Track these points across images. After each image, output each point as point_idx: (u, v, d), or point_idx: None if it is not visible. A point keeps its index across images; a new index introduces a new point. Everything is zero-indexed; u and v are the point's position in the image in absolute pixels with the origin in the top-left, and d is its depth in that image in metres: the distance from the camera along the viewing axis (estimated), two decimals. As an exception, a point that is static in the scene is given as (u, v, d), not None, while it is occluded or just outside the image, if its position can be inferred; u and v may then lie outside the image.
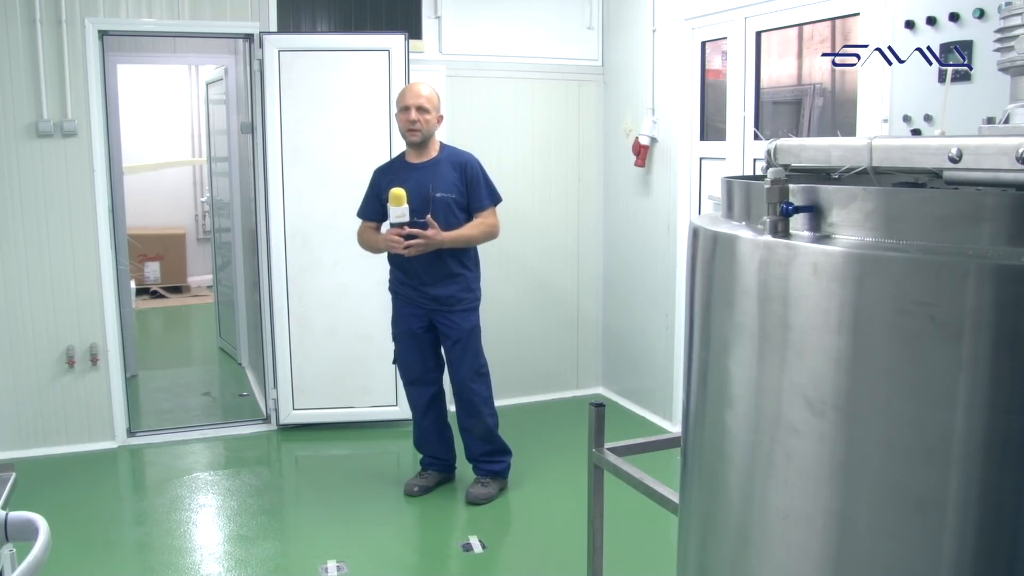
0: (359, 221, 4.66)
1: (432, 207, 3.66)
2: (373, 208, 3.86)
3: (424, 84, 3.81)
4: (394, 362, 4.06)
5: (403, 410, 4.82)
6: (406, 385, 4.02)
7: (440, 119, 3.79)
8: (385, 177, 3.81)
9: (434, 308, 3.81)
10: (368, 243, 3.93)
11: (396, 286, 3.92)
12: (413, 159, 3.79)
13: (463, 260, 3.79)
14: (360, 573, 3.28)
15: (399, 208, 3.59)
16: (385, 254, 3.90)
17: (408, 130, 3.72)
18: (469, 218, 3.76)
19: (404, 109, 3.72)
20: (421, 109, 3.69)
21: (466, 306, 3.82)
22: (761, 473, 1.36)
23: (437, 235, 3.60)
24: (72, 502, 3.89)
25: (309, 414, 4.80)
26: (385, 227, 3.81)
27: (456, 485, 4.05)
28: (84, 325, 4.48)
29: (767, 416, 1.34)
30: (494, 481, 3.95)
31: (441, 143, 3.84)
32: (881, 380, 1.18)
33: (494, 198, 3.80)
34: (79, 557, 3.38)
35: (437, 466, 4.06)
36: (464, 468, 4.06)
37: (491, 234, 3.80)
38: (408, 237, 3.59)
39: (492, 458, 3.97)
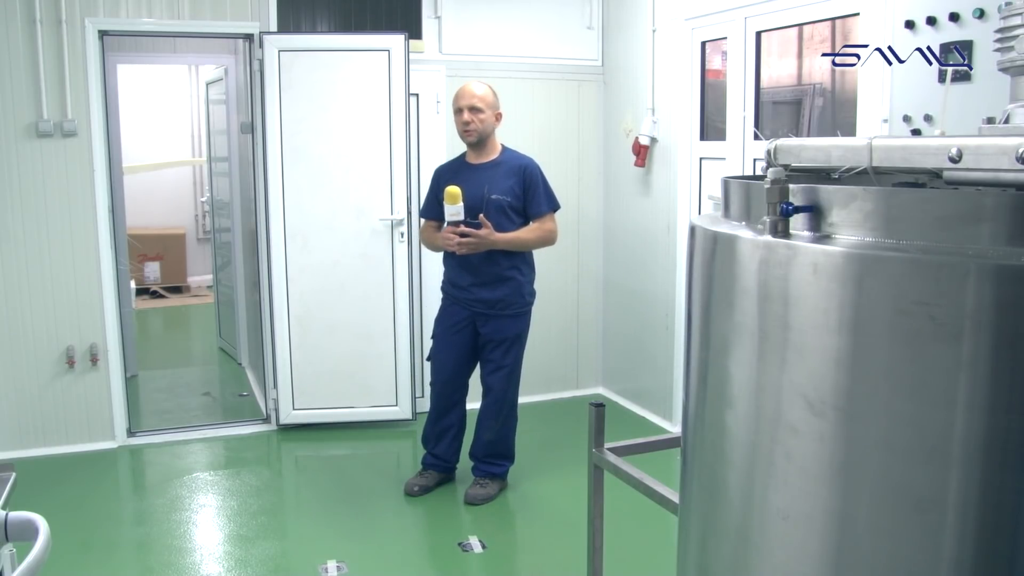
0: (359, 222, 4.71)
1: (485, 209, 3.67)
2: (433, 207, 3.89)
3: (478, 83, 3.80)
4: (427, 359, 4.09)
5: (403, 410, 4.83)
6: (434, 383, 4.00)
7: (498, 116, 3.77)
8: (444, 176, 3.85)
9: (480, 311, 3.80)
10: (428, 241, 3.97)
11: (447, 286, 3.93)
12: (472, 159, 3.82)
13: (517, 264, 3.78)
14: (360, 573, 3.28)
15: (454, 206, 3.63)
16: (441, 254, 3.91)
17: (464, 131, 3.74)
18: (525, 222, 3.76)
19: (458, 111, 3.74)
20: (474, 109, 3.69)
21: (515, 310, 3.82)
22: (761, 473, 1.36)
23: (490, 235, 3.62)
24: (72, 502, 3.89)
25: (309, 414, 4.80)
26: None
27: (456, 485, 4.05)
28: (84, 325, 4.48)
29: (767, 416, 1.34)
30: (493, 482, 3.96)
31: (503, 145, 3.83)
32: (881, 380, 1.18)
33: (552, 204, 3.79)
34: (79, 557, 3.38)
35: (439, 467, 4.05)
36: (463, 469, 4.06)
37: (548, 240, 3.80)
38: (463, 235, 3.62)
39: (494, 460, 3.97)
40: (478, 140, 3.74)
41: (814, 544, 1.29)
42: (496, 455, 3.97)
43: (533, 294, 3.90)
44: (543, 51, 5.15)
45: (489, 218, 3.65)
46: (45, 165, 4.31)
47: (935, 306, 1.11)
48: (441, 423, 3.98)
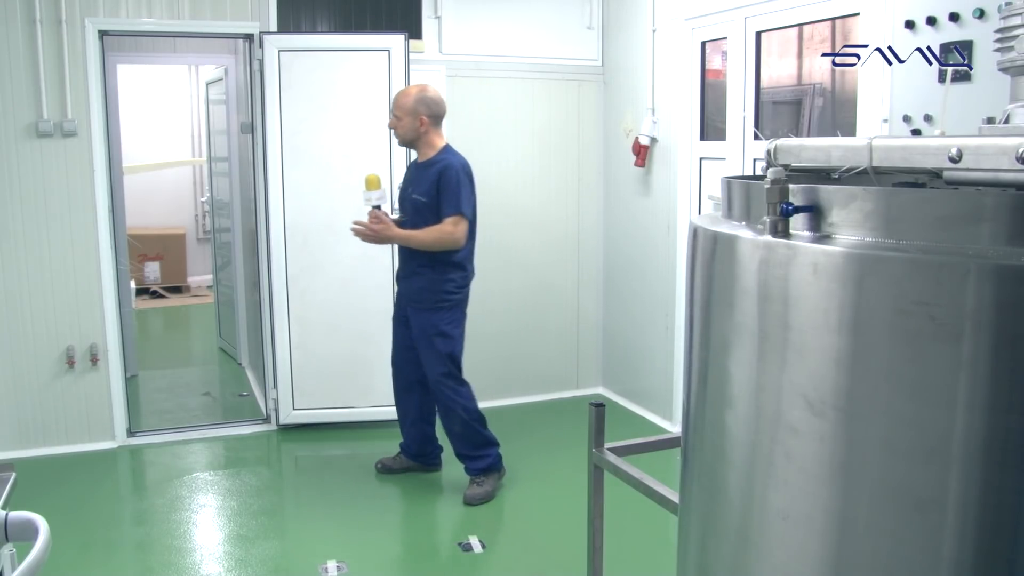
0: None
1: (408, 206, 3.85)
2: None
3: (404, 89, 3.93)
4: None
5: (403, 410, 4.83)
6: (392, 368, 4.20)
7: (422, 122, 3.80)
8: (406, 173, 4.07)
9: (406, 302, 3.97)
10: None
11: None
12: (418, 159, 3.95)
13: (425, 263, 3.83)
14: (360, 573, 3.28)
15: (367, 192, 3.76)
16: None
17: None
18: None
19: None
20: (394, 115, 3.86)
21: (428, 305, 3.86)
22: (761, 473, 1.36)
23: (384, 231, 3.75)
24: (72, 502, 3.89)
25: (309, 414, 4.80)
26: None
27: (454, 484, 4.05)
28: (84, 325, 4.48)
29: (767, 416, 1.34)
30: (488, 478, 3.97)
31: (448, 146, 3.87)
32: (881, 380, 1.18)
33: (458, 209, 3.72)
34: (79, 557, 3.38)
35: (407, 452, 4.18)
36: (454, 468, 4.06)
37: (444, 242, 3.74)
38: (406, 219, 3.84)
39: (477, 453, 3.99)
40: (402, 143, 3.94)
41: (814, 544, 1.29)
42: (473, 447, 3.98)
43: (455, 292, 3.88)
44: (543, 51, 5.15)
45: (407, 215, 3.83)
46: (45, 165, 4.31)
47: (935, 306, 1.11)
48: (400, 407, 4.15)
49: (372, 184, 3.75)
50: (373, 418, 4.83)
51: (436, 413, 4.12)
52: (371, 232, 3.75)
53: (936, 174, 1.30)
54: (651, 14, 4.75)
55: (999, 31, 1.55)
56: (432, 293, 3.84)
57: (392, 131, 3.93)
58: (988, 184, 1.21)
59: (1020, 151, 1.13)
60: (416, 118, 3.79)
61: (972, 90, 2.81)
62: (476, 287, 5.12)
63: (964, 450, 1.12)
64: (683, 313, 3.97)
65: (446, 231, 3.73)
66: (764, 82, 4.17)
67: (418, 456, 4.18)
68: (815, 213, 1.30)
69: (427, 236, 3.76)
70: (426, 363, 3.91)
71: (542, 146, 5.23)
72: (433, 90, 3.89)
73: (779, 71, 4.37)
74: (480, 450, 3.98)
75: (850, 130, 3.55)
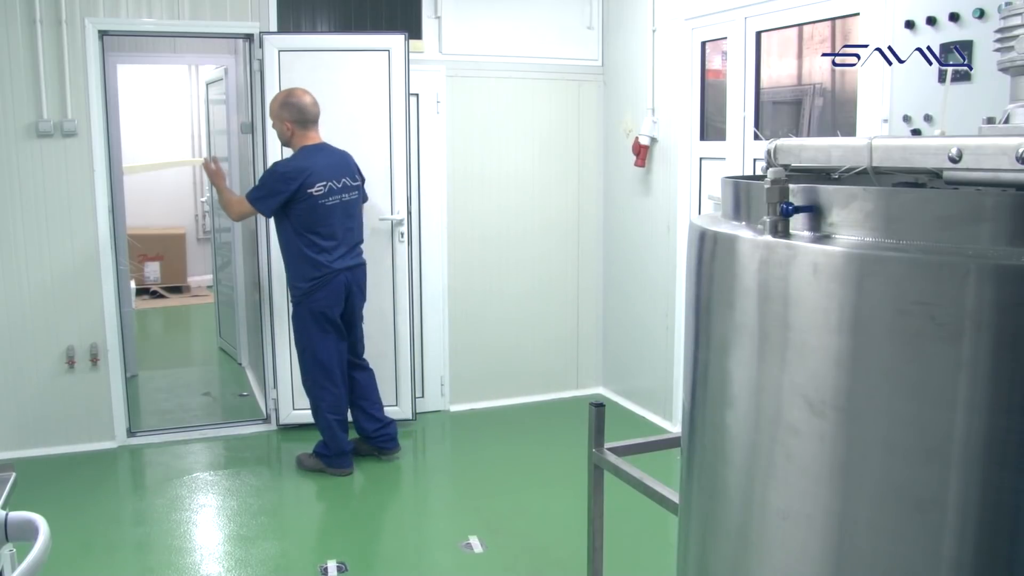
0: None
1: None
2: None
3: (276, 94, 4.15)
4: None
5: (403, 410, 4.83)
6: None
7: (287, 126, 4.03)
8: None
9: None
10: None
11: None
12: None
13: (281, 249, 4.16)
14: (360, 573, 3.28)
15: None
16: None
17: None
18: (282, 210, 4.00)
19: None
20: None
21: (289, 295, 4.22)
22: (761, 473, 1.36)
23: (212, 176, 4.21)
24: (72, 502, 3.89)
25: (309, 414, 4.78)
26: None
27: (454, 484, 4.05)
28: (84, 325, 4.48)
29: (767, 416, 1.34)
30: (319, 463, 4.22)
31: (303, 147, 4.07)
32: (881, 380, 1.18)
33: (249, 192, 4.07)
34: (79, 557, 3.38)
35: (363, 437, 4.37)
36: (455, 468, 4.06)
37: (226, 207, 4.16)
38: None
39: (326, 451, 4.20)
40: (282, 144, 4.17)
41: (814, 544, 1.29)
42: (325, 446, 4.21)
43: (300, 283, 4.07)
44: (543, 51, 5.15)
45: None
46: (45, 165, 4.31)
47: (935, 306, 1.11)
48: None
49: None
50: (373, 418, 4.83)
51: (370, 391, 4.31)
52: (207, 173, 4.24)
53: (936, 174, 1.30)
54: (651, 14, 4.75)
55: (999, 31, 1.55)
56: (288, 284, 4.18)
57: None
58: (988, 184, 1.21)
59: (1020, 151, 1.13)
60: (282, 122, 4.04)
61: (972, 90, 2.81)
62: (476, 286, 5.15)
63: (964, 450, 1.12)
64: (683, 313, 3.97)
65: (235, 201, 4.12)
66: (764, 82, 4.17)
67: (370, 439, 4.31)
68: (815, 213, 1.31)
69: (223, 195, 4.17)
70: None
71: (542, 146, 5.22)
72: (300, 95, 4.06)
73: (779, 71, 4.37)
74: (329, 448, 4.18)
75: (850, 130, 3.55)
